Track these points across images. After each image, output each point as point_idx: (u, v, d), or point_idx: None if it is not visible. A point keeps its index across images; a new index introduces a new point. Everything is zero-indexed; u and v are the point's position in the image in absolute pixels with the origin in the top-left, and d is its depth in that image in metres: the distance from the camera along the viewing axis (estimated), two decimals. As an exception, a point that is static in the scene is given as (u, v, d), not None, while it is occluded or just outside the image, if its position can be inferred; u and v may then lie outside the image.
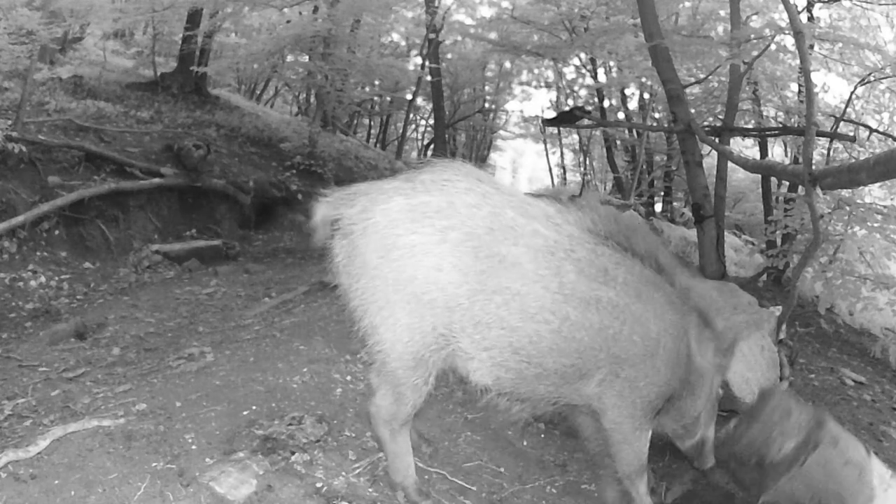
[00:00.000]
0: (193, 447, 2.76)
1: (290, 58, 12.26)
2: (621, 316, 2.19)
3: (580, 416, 2.49)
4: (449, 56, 18.10)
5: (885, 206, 6.53)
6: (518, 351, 2.12)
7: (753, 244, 12.07)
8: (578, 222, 2.23)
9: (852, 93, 8.37)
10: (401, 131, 18.15)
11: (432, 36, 14.85)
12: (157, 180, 8.11)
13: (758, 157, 10.50)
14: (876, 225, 6.25)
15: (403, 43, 18.02)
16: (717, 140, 7.29)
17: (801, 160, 5.54)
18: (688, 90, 8.26)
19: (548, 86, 18.67)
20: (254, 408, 3.12)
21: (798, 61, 7.32)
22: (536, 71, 18.48)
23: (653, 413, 2.37)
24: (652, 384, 2.27)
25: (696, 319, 2.36)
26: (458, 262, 1.98)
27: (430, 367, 2.17)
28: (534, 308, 2.07)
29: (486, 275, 2.01)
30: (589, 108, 12.70)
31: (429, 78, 16.16)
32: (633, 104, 15.84)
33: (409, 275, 1.98)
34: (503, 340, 2.09)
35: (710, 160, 9.62)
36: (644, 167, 15.33)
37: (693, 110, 8.77)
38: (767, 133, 9.76)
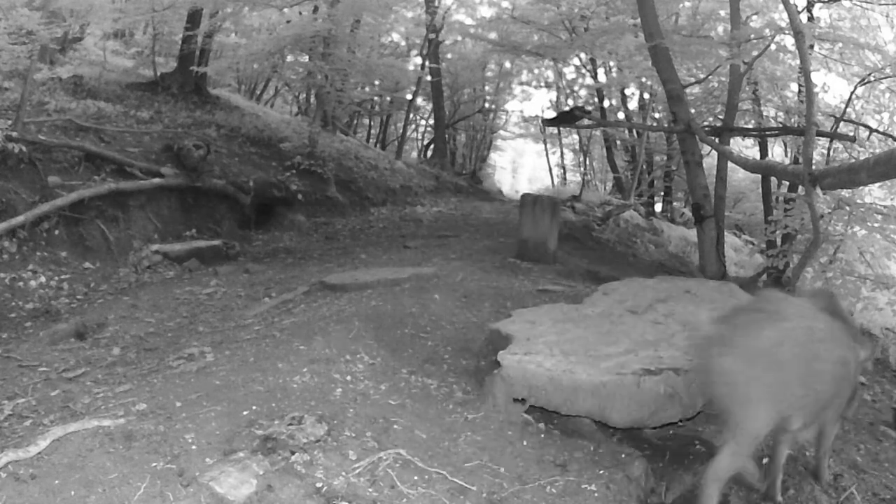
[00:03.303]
0: (193, 447, 2.77)
1: (290, 58, 12.25)
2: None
3: (781, 444, 3.32)
4: (449, 56, 18.10)
5: (885, 206, 6.53)
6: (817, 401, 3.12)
7: (753, 244, 12.08)
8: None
9: (852, 93, 8.38)
10: (401, 131, 18.15)
11: (432, 36, 14.86)
12: (157, 180, 8.11)
13: (758, 157, 10.51)
14: (876, 225, 6.26)
15: (403, 43, 18.03)
16: (717, 140, 7.30)
17: (801, 160, 5.55)
18: (688, 90, 8.26)
19: (548, 86, 18.67)
20: (254, 408, 3.12)
21: (798, 61, 7.32)
22: (536, 71, 18.48)
23: None
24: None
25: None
26: (804, 378, 2.93)
27: (762, 439, 3.03)
28: (827, 378, 3.08)
29: (812, 378, 2.97)
30: (589, 108, 12.70)
31: (429, 78, 16.17)
32: (633, 104, 15.83)
33: (778, 388, 2.88)
34: (814, 404, 3.08)
35: (710, 160, 9.63)
36: (644, 167, 15.31)
37: (693, 110, 8.78)
38: (767, 133, 9.76)
